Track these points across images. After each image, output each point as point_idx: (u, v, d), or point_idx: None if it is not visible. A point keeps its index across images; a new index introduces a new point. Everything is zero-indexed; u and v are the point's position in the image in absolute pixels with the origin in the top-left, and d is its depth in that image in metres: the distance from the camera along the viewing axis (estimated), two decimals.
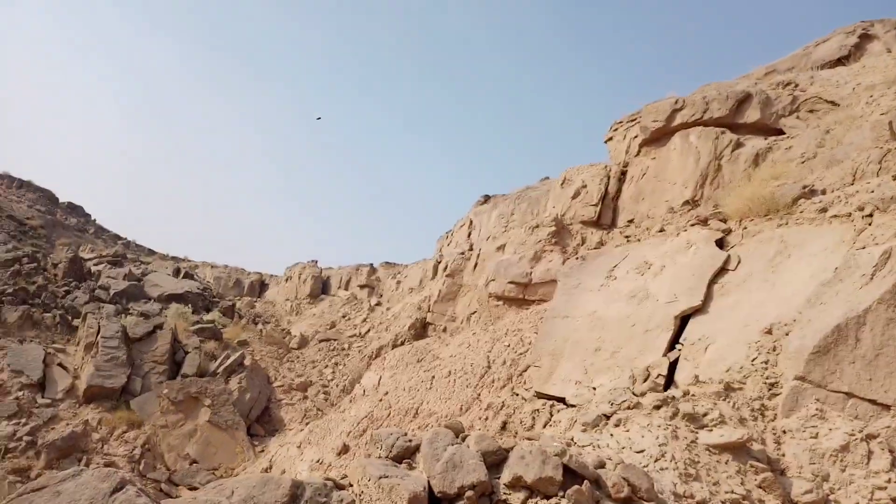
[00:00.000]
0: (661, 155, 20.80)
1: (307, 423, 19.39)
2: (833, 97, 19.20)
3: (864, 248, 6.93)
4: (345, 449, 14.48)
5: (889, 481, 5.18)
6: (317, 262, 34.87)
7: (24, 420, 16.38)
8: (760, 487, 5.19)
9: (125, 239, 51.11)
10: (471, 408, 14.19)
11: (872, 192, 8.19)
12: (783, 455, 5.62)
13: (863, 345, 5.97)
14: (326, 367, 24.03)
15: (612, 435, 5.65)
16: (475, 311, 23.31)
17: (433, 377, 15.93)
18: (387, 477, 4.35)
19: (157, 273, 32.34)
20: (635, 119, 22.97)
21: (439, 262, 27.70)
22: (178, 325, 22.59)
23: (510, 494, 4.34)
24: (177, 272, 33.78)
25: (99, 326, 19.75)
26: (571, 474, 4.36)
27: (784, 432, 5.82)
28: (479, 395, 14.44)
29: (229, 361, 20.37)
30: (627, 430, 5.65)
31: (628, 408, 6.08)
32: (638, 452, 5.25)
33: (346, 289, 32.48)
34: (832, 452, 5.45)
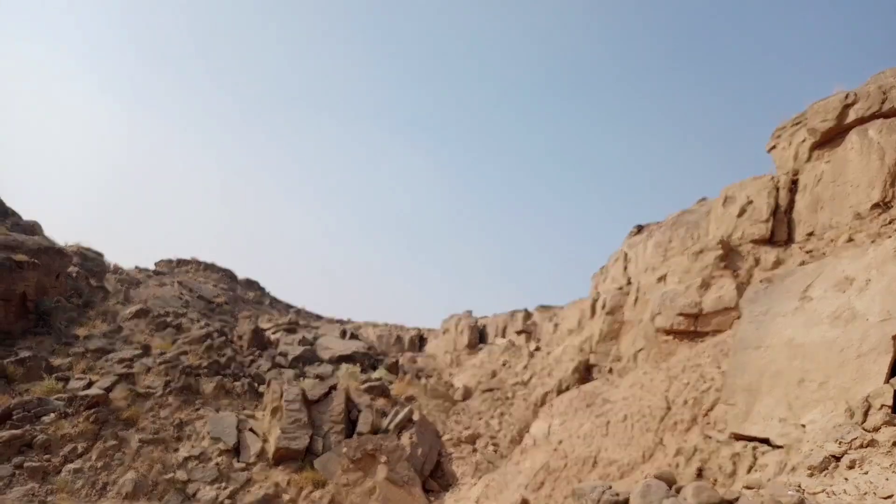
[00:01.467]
0: (837, 156, 18.74)
1: (479, 477, 19.26)
2: None
3: None
4: (524, 503, 14.11)
5: None
6: (471, 311, 35.33)
7: (224, 484, 17.92)
8: None
9: (296, 307, 55.55)
10: (654, 454, 13.27)
11: None
12: None
13: None
14: (492, 417, 23.89)
15: (846, 479, 4.89)
16: (642, 349, 22.10)
17: (608, 422, 15.17)
18: None
19: (326, 336, 34.61)
20: (800, 122, 21.01)
21: (596, 300, 26.78)
22: (349, 385, 23.81)
23: None
24: (343, 334, 35.91)
25: (282, 391, 21.36)
26: None
27: None
28: (662, 439, 13.48)
29: (399, 417, 20.97)
30: (866, 473, 4.86)
31: (861, 446, 5.26)
32: (885, 499, 4.48)
33: (503, 336, 32.42)
34: None
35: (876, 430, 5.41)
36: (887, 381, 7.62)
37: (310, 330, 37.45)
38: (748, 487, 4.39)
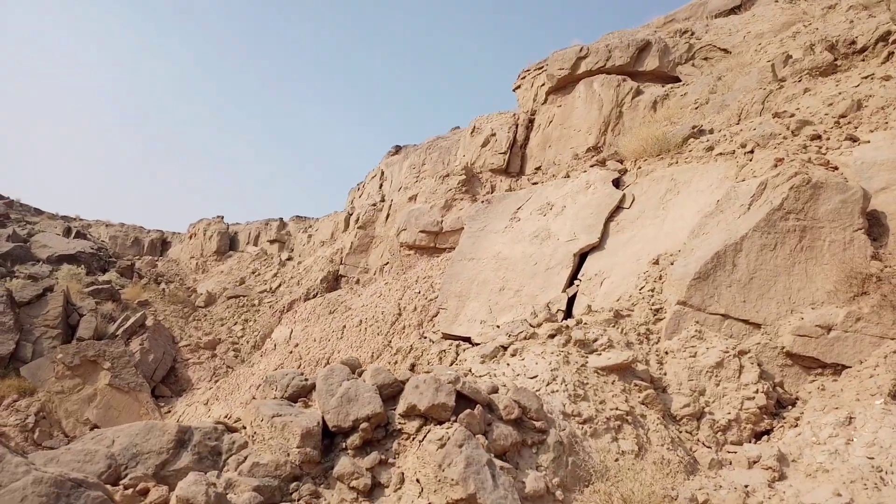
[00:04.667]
0: (567, 102, 21.17)
1: (216, 382, 18.90)
2: (726, 45, 20.08)
3: (743, 181, 7.34)
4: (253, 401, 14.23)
5: (757, 391, 5.63)
6: (222, 217, 33.36)
7: None
8: (643, 404, 5.51)
9: (7, 198, 46.82)
10: (382, 354, 14.25)
11: (754, 129, 8.66)
12: (665, 374, 5.98)
13: (738, 270, 6.39)
14: (236, 323, 23.36)
15: (507, 364, 5.80)
16: (388, 262, 23.23)
17: (344, 327, 15.83)
18: (280, 416, 4.26)
19: (45, 233, 30.00)
20: (542, 67, 23.14)
21: (351, 214, 27.22)
22: (70, 288, 21.15)
23: (405, 423, 4.37)
24: (67, 232, 31.46)
25: None
26: (465, 400, 4.43)
27: (666, 353, 6.18)
28: (391, 341, 14.51)
29: (129, 323, 19.36)
30: (522, 359, 5.81)
31: (525, 338, 6.25)
32: (531, 378, 5.42)
33: (256, 244, 31.41)
34: (708, 369, 5.85)
35: (539, 325, 6.48)
36: (564, 290, 9.12)
37: (24, 225, 32.04)
38: (427, 373, 4.93)
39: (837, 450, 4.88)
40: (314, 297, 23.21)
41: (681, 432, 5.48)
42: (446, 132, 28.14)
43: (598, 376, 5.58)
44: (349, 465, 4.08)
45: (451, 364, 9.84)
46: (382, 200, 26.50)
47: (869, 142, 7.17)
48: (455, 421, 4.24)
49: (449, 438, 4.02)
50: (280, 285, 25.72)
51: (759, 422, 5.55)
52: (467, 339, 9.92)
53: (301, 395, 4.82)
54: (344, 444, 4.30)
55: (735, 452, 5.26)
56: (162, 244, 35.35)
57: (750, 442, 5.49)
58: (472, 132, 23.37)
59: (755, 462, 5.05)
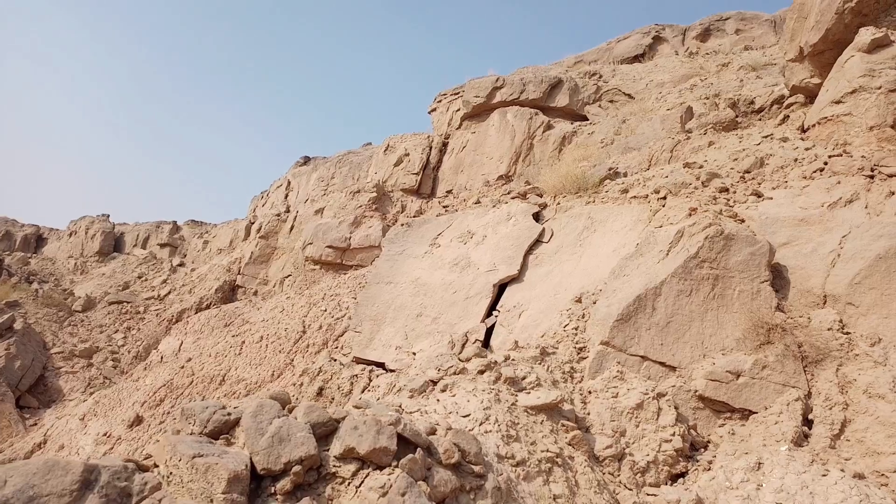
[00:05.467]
0: (481, 130, 21.58)
1: (92, 394, 17.25)
2: (630, 90, 21.35)
3: (660, 226, 7.71)
4: (138, 420, 13.10)
5: (674, 434, 5.85)
6: (108, 216, 30.82)
7: None
8: (570, 445, 5.55)
9: None
10: (283, 373, 13.64)
11: (666, 177, 9.17)
12: (588, 413, 6.08)
13: (657, 313, 6.66)
14: (117, 331, 21.54)
15: (438, 400, 5.65)
16: (290, 275, 22.43)
17: (243, 342, 15.01)
18: (201, 456, 3.85)
19: None
20: (458, 93, 23.50)
21: (252, 223, 26.12)
22: None
23: (340, 466, 4.10)
24: None
25: None
26: (405, 443, 4.23)
27: (590, 392, 6.30)
28: (293, 360, 13.92)
29: None
30: (454, 395, 5.69)
31: (455, 373, 6.14)
32: (464, 416, 5.31)
33: (144, 247, 29.27)
34: (629, 410, 6.01)
35: (468, 360, 6.41)
36: (483, 321, 9.13)
37: None
38: (357, 407, 4.69)
39: (749, 495, 5.14)
40: (208, 307, 21.91)
41: (604, 474, 5.57)
42: (357, 147, 27.80)
43: (527, 416, 5.56)
44: None
45: (364, 390, 9.55)
46: (287, 211, 25.64)
47: (772, 198, 7.79)
48: (396, 466, 4.03)
49: (391, 486, 3.81)
50: (170, 293, 24.06)
51: (675, 464, 5.76)
52: (381, 365, 9.68)
53: (223, 431, 4.40)
54: (273, 488, 3.96)
55: (655, 495, 5.40)
56: (37, 240, 32.03)
57: (667, 484, 5.68)
58: (385, 150, 23.23)
59: None
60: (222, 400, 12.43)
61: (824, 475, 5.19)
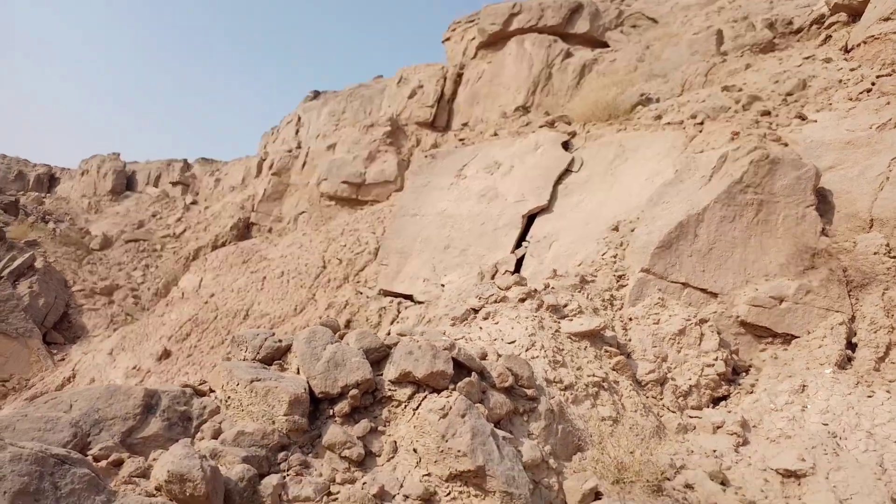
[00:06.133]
0: (498, 59, 20.89)
1: (115, 329, 17.54)
2: (654, 14, 20.46)
3: (701, 151, 7.48)
4: (166, 354, 13.34)
5: (716, 359, 5.84)
6: (119, 154, 30.53)
7: None
8: (614, 370, 5.55)
9: None
10: (306, 308, 13.74)
11: (703, 101, 8.84)
12: (630, 340, 6.06)
13: (700, 240, 6.53)
14: (136, 269, 21.72)
15: (481, 328, 5.63)
16: (304, 211, 22.32)
17: (264, 278, 15.08)
18: (260, 380, 3.85)
19: None
20: (474, 20, 22.63)
21: (264, 160, 25.80)
22: None
23: (395, 390, 4.10)
24: None
25: None
26: (459, 367, 4.21)
27: (630, 319, 6.26)
28: (315, 295, 14.00)
29: (16, 264, 17.42)
30: (497, 323, 5.66)
31: (496, 301, 6.10)
32: (510, 343, 5.29)
33: (156, 186, 29.13)
34: (671, 336, 5.98)
35: (508, 288, 6.35)
36: (513, 252, 9.04)
37: None
38: (402, 335, 4.65)
39: (795, 416, 5.15)
40: (224, 244, 21.96)
41: (647, 398, 5.59)
42: (368, 80, 27.09)
43: (571, 342, 5.54)
44: (340, 434, 3.78)
45: (393, 322, 9.60)
46: (299, 147, 25.26)
47: (816, 121, 7.50)
48: (454, 389, 4.02)
49: (451, 408, 3.80)
50: (185, 230, 24.10)
51: (717, 387, 5.77)
52: (409, 297, 9.68)
53: (275, 357, 4.41)
54: (331, 411, 3.98)
55: (699, 418, 5.43)
56: (50, 180, 31.91)
57: (708, 407, 5.71)
58: (398, 82, 22.63)
59: (719, 427, 5.25)
60: (257, 329, 12.61)
61: (870, 396, 5.18)
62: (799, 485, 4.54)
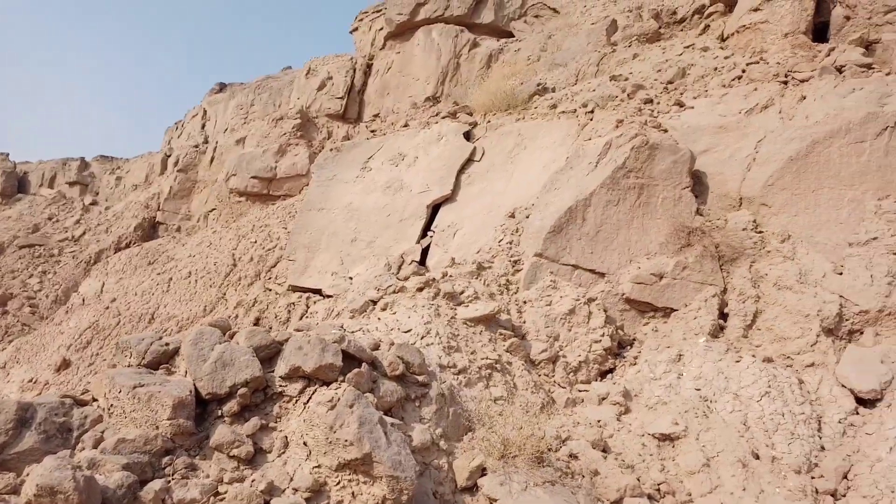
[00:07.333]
0: (406, 49, 20.90)
1: (11, 341, 16.46)
2: (555, 4, 21.02)
3: (589, 139, 7.85)
4: (65, 364, 12.67)
5: (603, 335, 6.20)
6: (8, 154, 28.36)
7: None
8: (508, 351, 5.80)
9: None
10: (216, 307, 13.39)
11: (594, 90, 9.26)
12: (524, 322, 6.33)
13: (587, 224, 6.88)
14: (31, 276, 20.39)
15: (379, 319, 5.73)
16: (214, 209, 21.63)
17: (170, 279, 14.55)
18: (143, 385, 3.80)
19: None
20: (381, 10, 22.48)
21: (169, 156, 24.74)
22: None
23: (286, 386, 4.15)
24: None
25: None
26: (350, 359, 4.30)
27: (525, 302, 6.54)
28: (225, 294, 13.66)
29: None
30: (394, 313, 5.78)
31: (394, 292, 6.22)
32: (406, 332, 5.43)
33: (51, 187, 27.32)
34: (562, 316, 6.29)
35: (406, 279, 6.49)
36: (418, 242, 9.18)
37: None
38: (298, 330, 4.69)
39: (671, 384, 5.57)
40: (128, 246, 20.95)
41: (540, 375, 5.88)
42: (277, 72, 26.41)
43: (467, 327, 5.74)
44: (228, 434, 3.80)
45: (302, 317, 9.55)
46: (206, 142, 24.37)
47: (693, 108, 8.04)
48: (343, 381, 4.11)
49: (339, 399, 3.89)
50: (84, 233, 22.79)
51: (604, 362, 6.14)
52: (317, 291, 9.66)
53: (162, 361, 4.34)
54: (220, 411, 3.98)
55: (587, 391, 5.77)
56: None
57: (597, 380, 6.06)
58: (307, 74, 22.22)
59: (604, 399, 5.60)
60: (145, 333, 12.17)
61: (737, 361, 5.67)
62: (673, 447, 4.94)
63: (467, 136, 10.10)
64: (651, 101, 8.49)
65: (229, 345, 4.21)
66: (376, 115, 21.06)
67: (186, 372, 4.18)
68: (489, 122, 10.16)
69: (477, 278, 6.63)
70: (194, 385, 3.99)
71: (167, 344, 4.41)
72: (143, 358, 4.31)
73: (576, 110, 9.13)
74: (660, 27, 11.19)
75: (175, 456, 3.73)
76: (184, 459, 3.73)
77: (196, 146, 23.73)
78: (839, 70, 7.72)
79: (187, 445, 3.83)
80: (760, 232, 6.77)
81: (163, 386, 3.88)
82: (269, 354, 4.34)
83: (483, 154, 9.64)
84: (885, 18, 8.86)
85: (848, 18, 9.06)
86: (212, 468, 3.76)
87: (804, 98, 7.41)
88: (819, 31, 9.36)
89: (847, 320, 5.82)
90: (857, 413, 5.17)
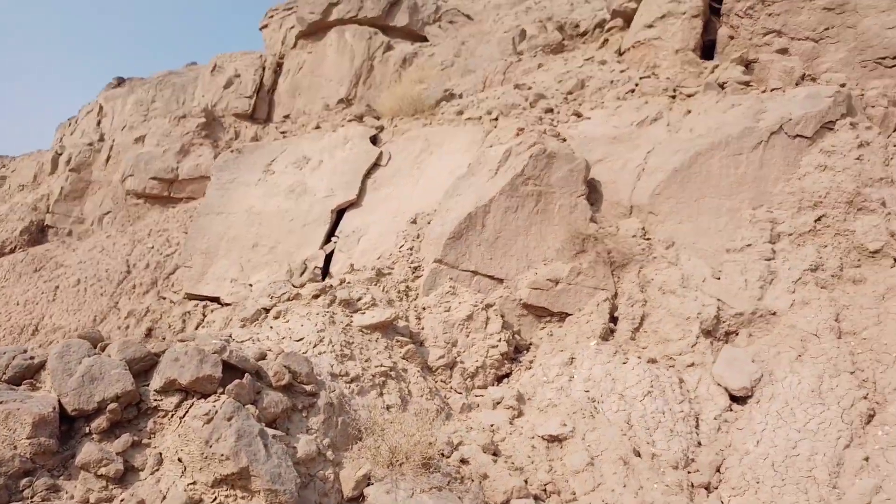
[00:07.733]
0: (318, 50, 20.54)
1: None
2: (469, 11, 21.32)
3: (491, 146, 7.97)
4: None
5: (500, 340, 6.29)
6: None
7: None
8: (404, 358, 5.77)
9: None
10: (107, 317, 12.59)
11: (498, 98, 9.43)
12: (423, 328, 6.33)
13: (487, 230, 6.97)
14: None
15: (271, 327, 5.55)
16: (109, 212, 20.35)
17: (57, 287, 13.57)
18: (1, 402, 3.49)
19: None
20: (292, 8, 21.98)
21: (60, 154, 23.03)
22: None
23: (162, 400, 3.92)
24: None
25: None
26: (232, 370, 4.12)
27: (424, 309, 6.54)
28: (118, 303, 12.87)
29: None
30: (287, 321, 5.62)
31: (289, 299, 6.05)
32: (297, 341, 5.28)
33: None
34: (460, 322, 6.34)
35: (302, 286, 6.33)
36: (322, 247, 9.00)
37: None
38: (182, 341, 4.45)
39: (562, 386, 5.72)
40: (13, 251, 19.34)
41: (437, 382, 5.88)
42: (180, 67, 25.25)
43: (363, 335, 5.66)
44: (95, 452, 3.56)
45: (198, 327, 9.13)
46: (102, 140, 22.88)
47: (590, 118, 8.34)
48: (223, 393, 3.93)
49: (217, 412, 3.72)
50: None
51: (501, 366, 6.23)
52: (216, 300, 9.26)
53: (26, 376, 4.00)
54: (87, 428, 3.72)
55: (482, 396, 5.84)
56: None
57: (494, 385, 6.14)
58: (212, 70, 21.37)
59: (499, 403, 5.67)
60: (7, 347, 11.30)
61: (624, 363, 5.90)
62: (561, 447, 5.06)
63: (374, 140, 10.02)
64: (552, 111, 8.75)
65: (99, 358, 3.93)
66: (287, 116, 20.53)
67: (52, 387, 3.88)
68: (396, 126, 10.13)
69: (376, 285, 6.57)
70: (59, 401, 3.71)
71: (32, 358, 4.07)
72: (5, 373, 3.96)
73: (481, 117, 9.26)
74: (563, 39, 11.57)
75: (35, 477, 3.46)
76: (45, 480, 3.47)
77: (91, 144, 22.25)
78: (721, 86, 8.25)
79: (50, 466, 3.56)
80: (648, 239, 7.10)
81: (23, 403, 3.58)
82: (144, 367, 4.09)
83: (390, 159, 9.59)
84: (763, 39, 9.53)
85: (731, 38, 9.68)
86: (77, 488, 3.52)
87: (689, 112, 7.86)
88: (707, 49, 9.96)
89: (724, 322, 6.20)
90: (731, 410, 5.50)
